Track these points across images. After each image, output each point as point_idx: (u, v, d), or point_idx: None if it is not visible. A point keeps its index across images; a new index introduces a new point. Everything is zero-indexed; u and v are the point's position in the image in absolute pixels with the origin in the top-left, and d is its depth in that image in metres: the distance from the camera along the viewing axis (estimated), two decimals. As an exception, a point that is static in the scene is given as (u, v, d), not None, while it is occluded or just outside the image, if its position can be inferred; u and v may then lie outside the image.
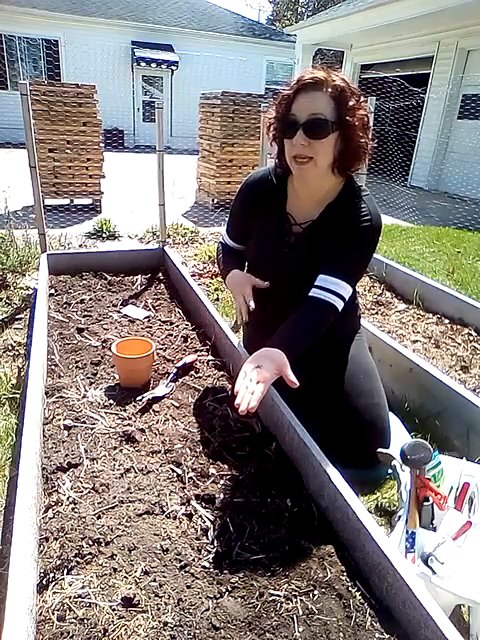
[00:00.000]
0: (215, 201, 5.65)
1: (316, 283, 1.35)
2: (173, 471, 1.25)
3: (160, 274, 2.71)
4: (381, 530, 0.99)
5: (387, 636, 0.88)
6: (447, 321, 2.46)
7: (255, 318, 1.71)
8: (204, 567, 0.99)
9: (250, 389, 1.08)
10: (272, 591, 0.94)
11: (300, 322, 1.32)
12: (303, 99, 1.28)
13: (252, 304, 1.44)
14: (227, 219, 1.70)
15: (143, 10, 13.59)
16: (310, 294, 1.35)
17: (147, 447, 1.33)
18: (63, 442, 1.32)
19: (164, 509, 1.12)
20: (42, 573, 0.95)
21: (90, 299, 2.33)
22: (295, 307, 1.47)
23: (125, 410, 1.48)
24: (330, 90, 1.26)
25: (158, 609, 0.90)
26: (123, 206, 5.51)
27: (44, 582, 0.94)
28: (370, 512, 1.33)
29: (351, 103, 1.27)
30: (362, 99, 1.32)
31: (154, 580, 0.95)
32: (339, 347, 1.56)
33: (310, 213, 1.46)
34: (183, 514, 1.11)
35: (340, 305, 1.34)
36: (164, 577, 0.96)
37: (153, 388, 1.59)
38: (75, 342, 1.88)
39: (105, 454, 1.29)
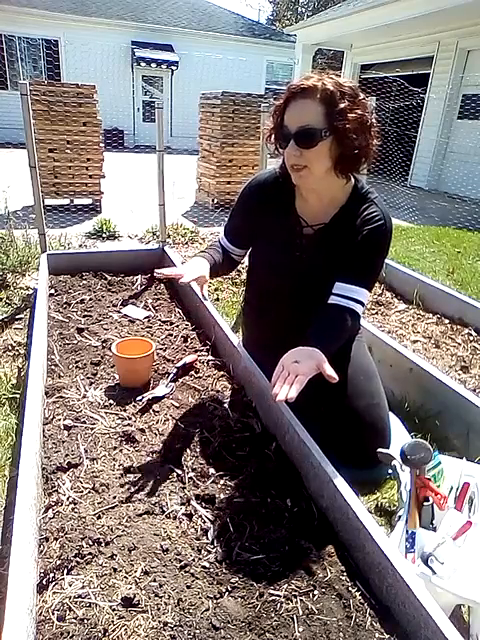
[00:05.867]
0: (215, 201, 5.65)
1: (334, 291, 1.36)
2: (173, 471, 1.25)
3: (160, 274, 2.70)
4: (381, 530, 0.99)
5: (387, 636, 0.88)
6: (447, 321, 2.46)
7: (259, 319, 1.71)
8: (204, 567, 0.99)
9: (289, 381, 1.08)
10: (272, 591, 0.94)
11: (327, 327, 1.33)
12: (293, 109, 1.28)
13: (187, 279, 1.29)
14: (226, 219, 1.68)
15: (143, 10, 13.59)
16: (330, 302, 1.36)
17: (147, 447, 1.33)
18: (63, 442, 1.32)
19: (164, 509, 1.12)
20: (42, 573, 0.95)
21: (90, 299, 2.33)
22: (300, 310, 1.46)
23: (125, 410, 1.48)
24: (319, 96, 1.24)
25: (158, 609, 0.90)
26: (123, 206, 5.51)
27: (44, 582, 0.94)
28: (370, 512, 1.33)
29: (342, 106, 1.24)
30: (360, 98, 1.28)
31: (154, 580, 0.95)
32: (340, 348, 1.56)
33: (321, 216, 1.45)
34: (183, 514, 1.11)
35: (360, 311, 1.37)
36: (164, 577, 0.96)
37: (153, 388, 1.59)
38: (75, 342, 1.88)
39: (105, 454, 1.29)
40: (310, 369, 1.12)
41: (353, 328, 1.38)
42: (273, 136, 1.38)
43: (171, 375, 1.65)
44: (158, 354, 1.79)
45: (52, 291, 2.37)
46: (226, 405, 1.51)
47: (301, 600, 0.93)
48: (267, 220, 1.52)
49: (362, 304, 1.36)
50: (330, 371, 1.14)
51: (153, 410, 1.49)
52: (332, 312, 1.35)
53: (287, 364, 1.13)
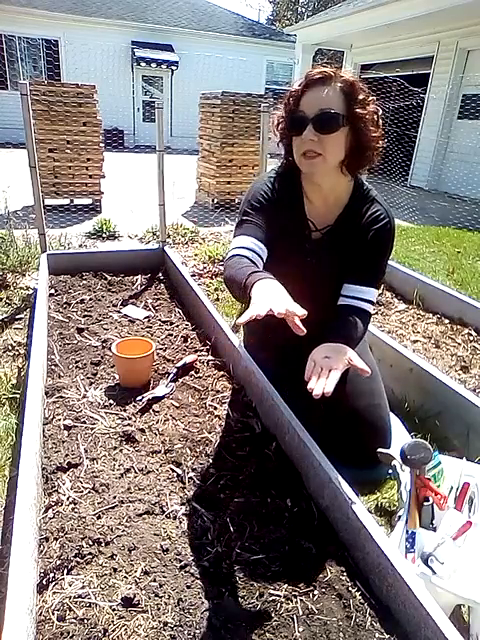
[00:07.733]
0: (215, 201, 5.64)
1: (344, 293, 1.38)
2: (173, 471, 1.25)
3: (160, 274, 2.71)
4: (381, 530, 0.99)
5: (387, 636, 0.88)
6: (447, 321, 2.46)
7: (260, 320, 1.69)
8: (204, 567, 0.99)
9: (323, 375, 1.08)
10: (272, 591, 0.94)
11: (345, 326, 1.33)
12: (312, 94, 1.26)
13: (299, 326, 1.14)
14: (241, 230, 1.41)
15: (143, 10, 13.58)
16: (342, 303, 1.37)
17: (147, 447, 1.33)
18: (63, 442, 1.32)
19: (164, 509, 1.12)
20: (42, 573, 0.95)
21: (90, 299, 2.33)
22: (308, 311, 1.45)
23: (125, 410, 1.48)
24: (340, 84, 1.24)
25: (158, 609, 0.90)
26: (123, 206, 5.51)
27: (44, 582, 0.94)
28: (370, 512, 1.33)
29: (361, 96, 1.25)
30: (371, 97, 1.29)
31: (154, 580, 0.95)
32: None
33: (326, 218, 1.44)
34: (183, 514, 1.11)
35: (372, 310, 1.39)
36: (164, 577, 0.96)
37: (153, 388, 1.59)
38: (75, 342, 1.88)
39: (105, 454, 1.29)
40: (342, 363, 1.12)
41: (366, 327, 1.39)
42: (282, 124, 1.34)
43: (171, 375, 1.65)
44: (158, 354, 1.79)
45: (52, 291, 2.37)
46: (226, 405, 1.51)
47: (301, 600, 0.93)
48: (277, 224, 1.49)
49: (372, 303, 1.38)
50: (361, 364, 1.12)
51: (153, 410, 1.49)
52: (346, 313, 1.36)
53: (318, 360, 1.12)
